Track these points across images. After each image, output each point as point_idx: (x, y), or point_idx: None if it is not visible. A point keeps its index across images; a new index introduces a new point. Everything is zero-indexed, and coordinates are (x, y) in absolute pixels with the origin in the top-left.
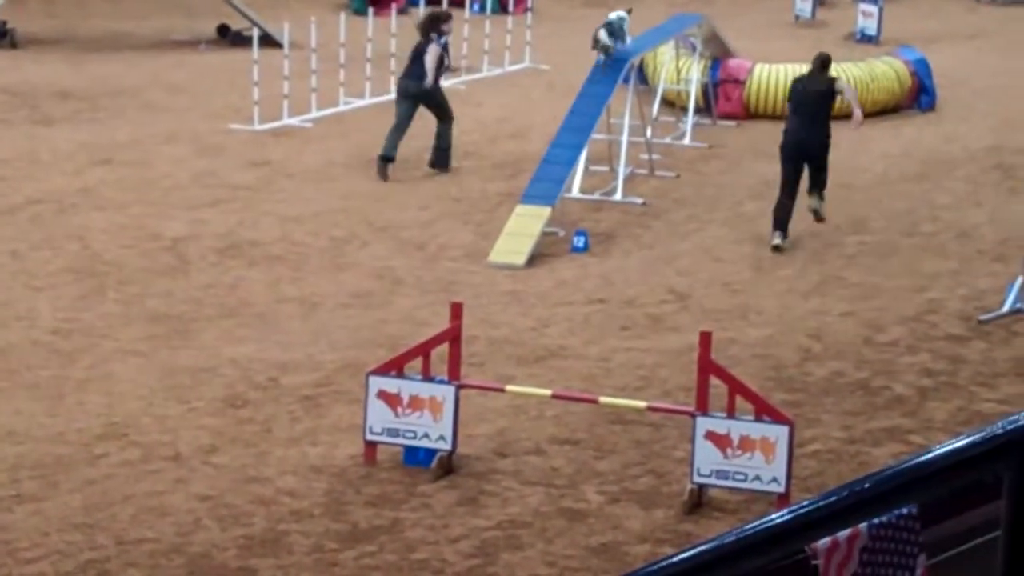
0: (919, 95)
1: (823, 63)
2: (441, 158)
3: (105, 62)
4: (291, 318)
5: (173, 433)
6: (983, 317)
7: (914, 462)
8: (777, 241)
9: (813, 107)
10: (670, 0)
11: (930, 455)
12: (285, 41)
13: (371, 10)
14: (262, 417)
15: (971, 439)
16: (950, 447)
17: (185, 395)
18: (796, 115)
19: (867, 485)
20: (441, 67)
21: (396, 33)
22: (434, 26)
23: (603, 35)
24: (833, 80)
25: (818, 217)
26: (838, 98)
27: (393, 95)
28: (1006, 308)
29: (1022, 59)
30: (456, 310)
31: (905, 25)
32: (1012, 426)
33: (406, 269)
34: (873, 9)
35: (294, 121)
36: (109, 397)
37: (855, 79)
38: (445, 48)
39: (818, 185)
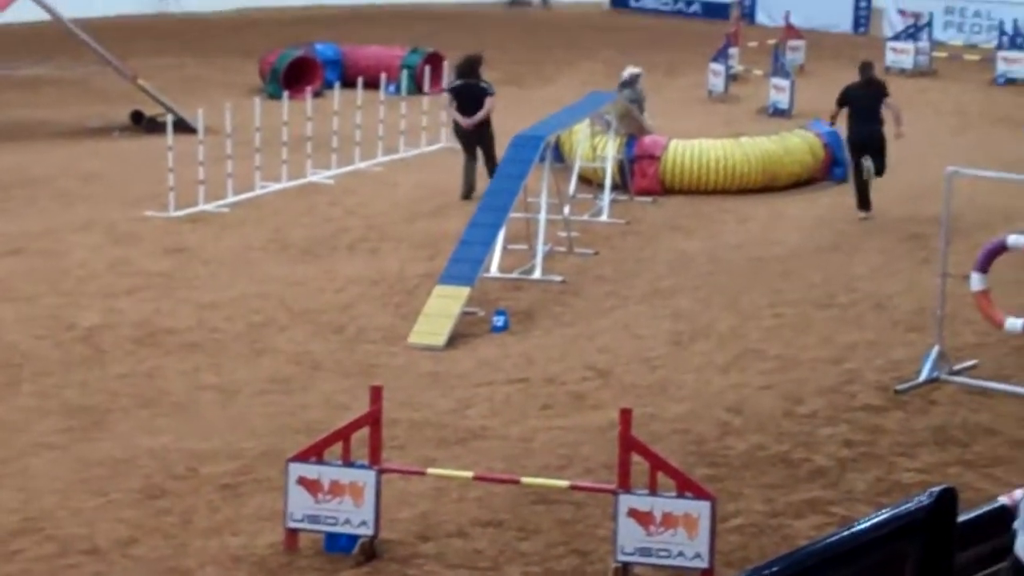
0: (832, 167)
1: (866, 67)
2: None
3: (18, 151)
4: (209, 406)
5: (90, 526)
6: (900, 387)
7: (822, 543)
8: (863, 215)
9: (868, 107)
10: (584, 78)
11: (838, 536)
12: (200, 126)
13: (286, 94)
14: (181, 508)
15: (877, 519)
16: (857, 527)
17: (102, 487)
18: (855, 116)
19: (775, 569)
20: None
21: (312, 116)
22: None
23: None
24: (882, 85)
25: (868, 175)
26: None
27: (310, 178)
28: (923, 377)
29: (932, 130)
30: (376, 393)
31: (817, 98)
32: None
33: (325, 353)
34: (785, 84)
35: (210, 207)
36: (24, 492)
37: (769, 153)
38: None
39: (879, 167)
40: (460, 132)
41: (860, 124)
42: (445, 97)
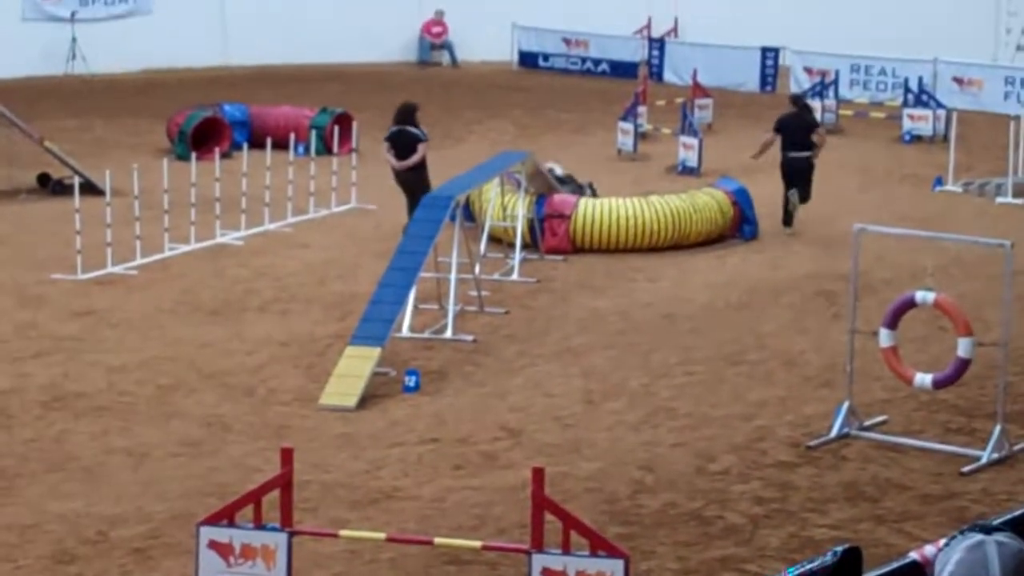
0: (741, 225)
1: (798, 98)
2: None
3: None
4: (119, 470)
5: None
6: (811, 443)
7: None
8: (788, 231)
9: (799, 136)
10: (494, 138)
11: None
12: (107, 188)
13: (194, 155)
14: (92, 573)
15: None
16: None
17: (11, 554)
18: (787, 143)
19: None
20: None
21: (220, 177)
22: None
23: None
24: (812, 116)
25: (793, 207)
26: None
27: (219, 239)
28: (833, 433)
29: (840, 187)
30: (287, 455)
31: (725, 156)
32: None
33: (235, 415)
34: (693, 142)
35: (118, 269)
36: None
37: (678, 211)
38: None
39: (804, 195)
40: (396, 177)
41: (791, 151)
42: (384, 144)
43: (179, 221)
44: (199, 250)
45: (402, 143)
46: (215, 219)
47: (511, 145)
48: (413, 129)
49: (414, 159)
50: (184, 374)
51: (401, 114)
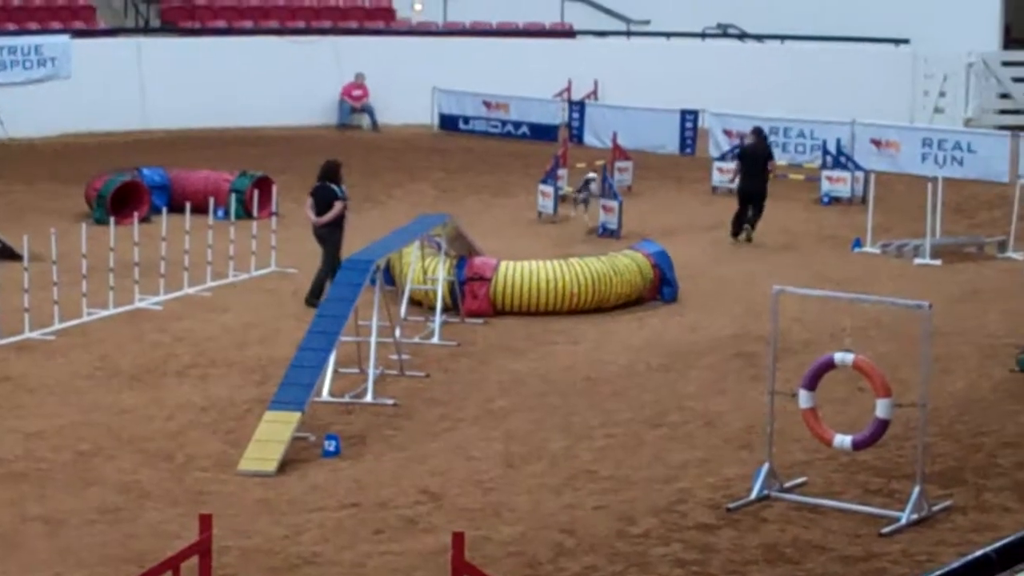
0: (661, 287)
1: (758, 131)
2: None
3: None
4: (35, 538)
5: None
6: (732, 505)
7: None
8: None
9: (756, 165)
10: (414, 201)
11: None
12: (25, 253)
13: (113, 219)
14: None
15: None
16: None
17: None
18: (746, 171)
19: None
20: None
21: (139, 242)
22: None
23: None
24: (769, 148)
25: (749, 236)
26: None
27: (138, 304)
28: (753, 495)
29: (758, 248)
30: (205, 522)
31: (645, 219)
32: None
33: (154, 482)
34: (614, 204)
35: (36, 334)
36: None
37: (599, 273)
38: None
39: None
40: (313, 232)
41: (749, 178)
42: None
43: (98, 286)
44: (118, 315)
45: (320, 199)
46: (134, 284)
47: (431, 208)
48: (333, 186)
49: (328, 216)
50: (102, 440)
51: (323, 171)
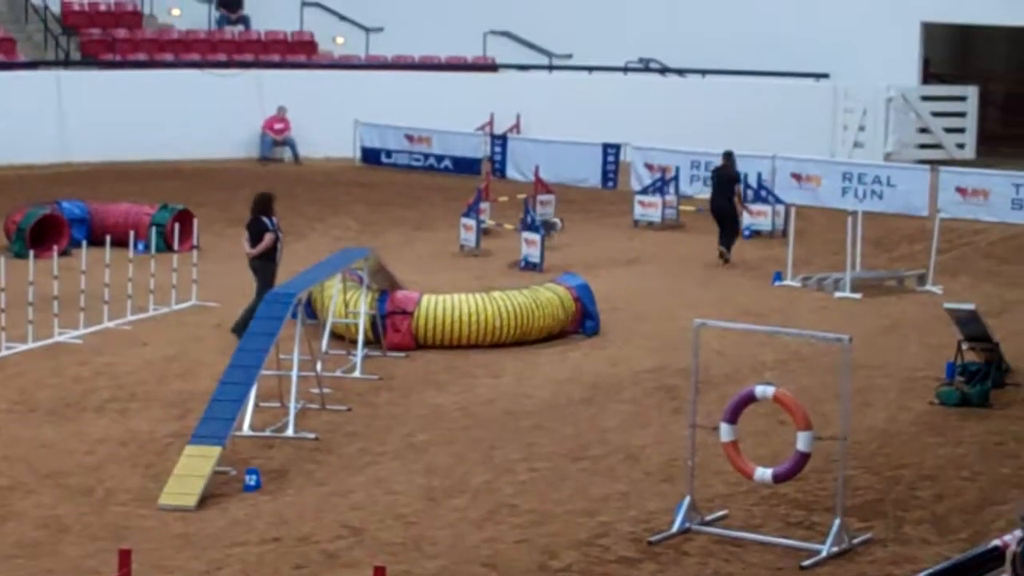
0: (583, 320)
1: (729, 155)
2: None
3: None
4: None
5: None
6: (653, 538)
7: None
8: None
9: (723, 186)
10: (336, 235)
11: None
12: None
13: (32, 253)
14: None
15: None
16: None
17: None
18: (715, 191)
19: None
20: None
21: (59, 275)
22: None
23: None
24: (735, 171)
25: (725, 258)
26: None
27: (57, 338)
28: (675, 528)
29: (680, 282)
30: (125, 557)
31: (567, 252)
32: None
33: (73, 517)
34: (536, 238)
35: None
36: None
37: (520, 306)
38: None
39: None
40: (248, 265)
41: (716, 198)
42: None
43: (16, 320)
44: (37, 349)
45: (253, 232)
46: (53, 317)
47: (353, 241)
48: (264, 219)
49: (258, 248)
50: (21, 475)
51: (255, 204)
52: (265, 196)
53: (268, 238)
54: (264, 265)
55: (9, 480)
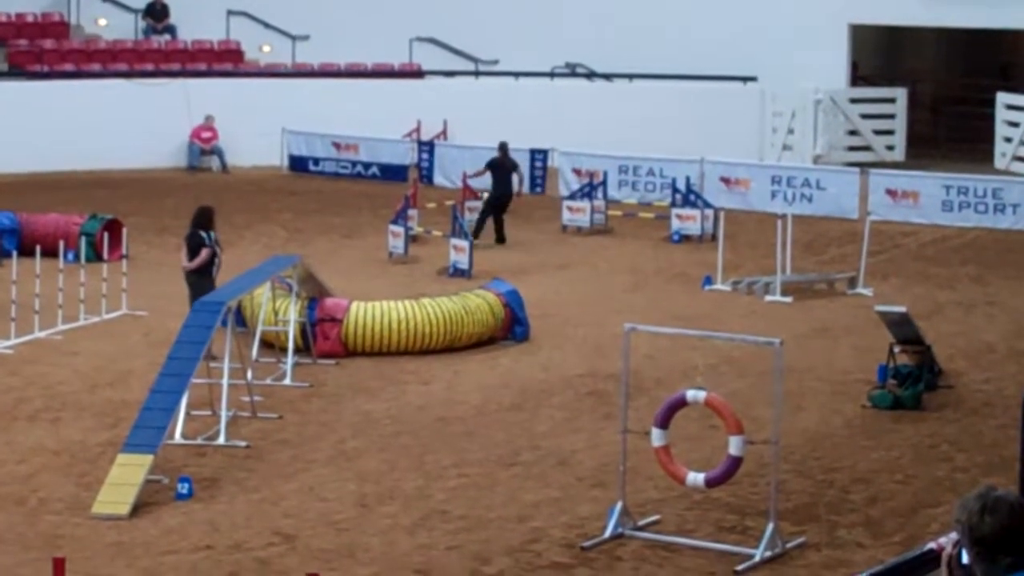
0: (513, 326)
1: (504, 145)
2: None
3: None
4: None
5: None
6: (586, 544)
7: None
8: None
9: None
10: (265, 243)
11: None
12: None
13: None
14: None
15: None
16: None
17: None
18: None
19: None
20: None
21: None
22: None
23: None
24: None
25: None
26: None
27: None
28: (607, 534)
29: (610, 287)
30: (59, 565)
31: (496, 258)
32: None
33: (6, 525)
34: (464, 244)
35: None
36: None
37: (450, 313)
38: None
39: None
40: (184, 278)
41: (499, 187)
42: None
43: None
44: None
45: (191, 245)
46: (10, 323)
47: (282, 249)
48: (202, 233)
49: (195, 262)
50: None
51: (195, 217)
52: (205, 210)
53: (205, 253)
54: (199, 280)
55: None
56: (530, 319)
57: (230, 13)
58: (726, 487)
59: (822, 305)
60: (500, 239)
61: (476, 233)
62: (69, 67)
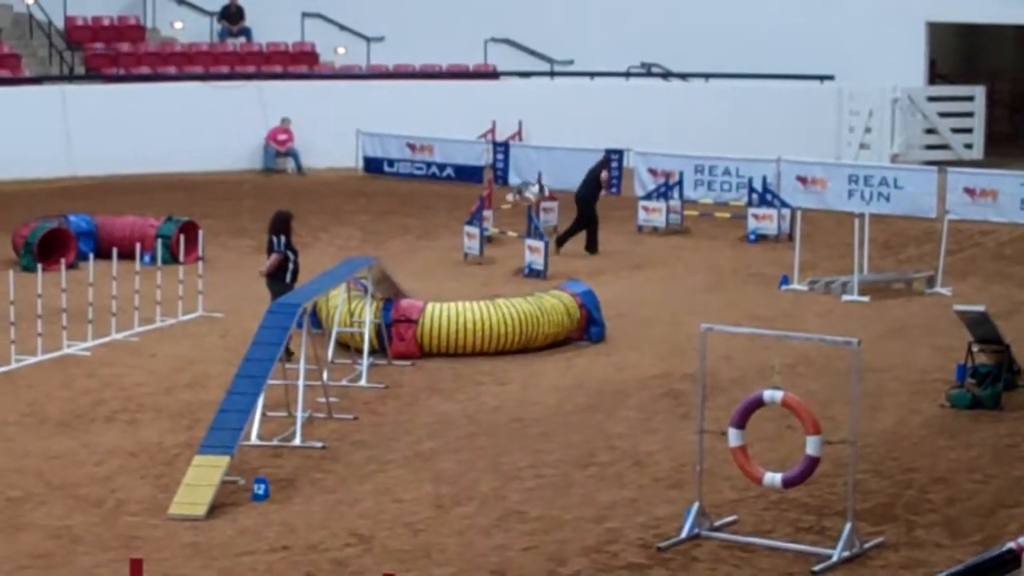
0: (588, 327)
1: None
2: None
3: None
4: None
5: None
6: (662, 544)
7: None
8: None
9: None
10: (340, 244)
11: None
12: None
13: (40, 266)
14: None
15: None
16: None
17: None
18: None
19: None
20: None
21: (67, 288)
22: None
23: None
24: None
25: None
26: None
27: (66, 350)
28: (684, 534)
29: (686, 287)
30: (136, 566)
31: (571, 259)
32: None
33: (85, 527)
34: (539, 245)
35: None
36: None
37: (526, 314)
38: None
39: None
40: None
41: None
42: None
43: (25, 333)
44: (46, 361)
45: (268, 250)
46: (62, 330)
47: (357, 251)
48: (274, 238)
49: (264, 267)
50: (32, 486)
51: (271, 223)
52: (277, 215)
53: (273, 258)
54: (272, 284)
55: (21, 492)
56: (606, 320)
57: (305, 15)
58: (803, 487)
59: (900, 305)
60: (593, 249)
61: (561, 243)
62: (145, 70)
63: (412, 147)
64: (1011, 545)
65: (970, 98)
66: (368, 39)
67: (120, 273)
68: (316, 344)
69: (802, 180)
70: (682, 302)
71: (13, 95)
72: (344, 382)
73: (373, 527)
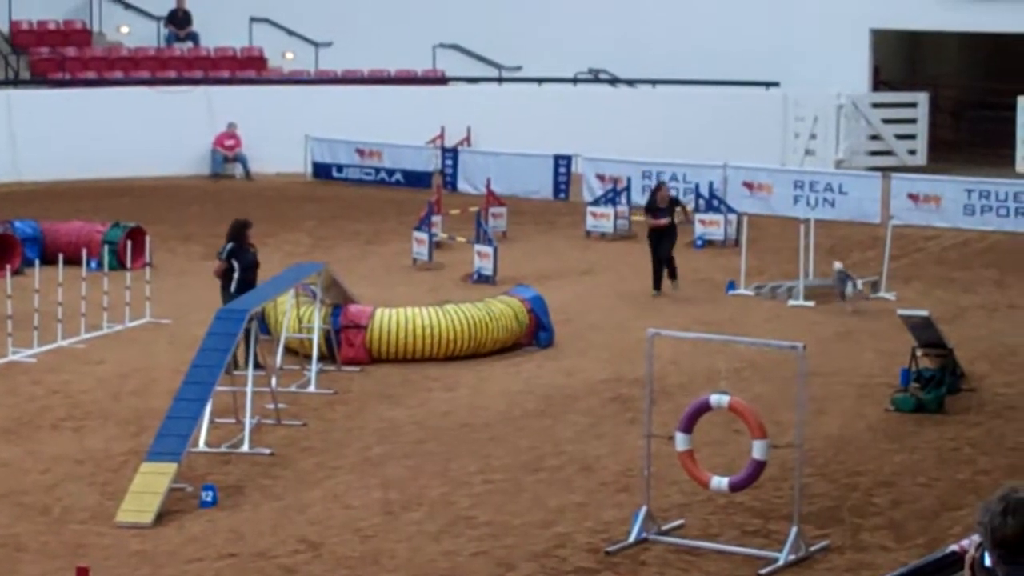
0: (537, 332)
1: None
2: None
3: None
4: None
5: None
6: (610, 548)
7: None
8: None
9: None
10: (288, 250)
11: None
12: None
13: None
14: None
15: None
16: None
17: None
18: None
19: None
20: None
21: (12, 294)
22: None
23: None
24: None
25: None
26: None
27: (11, 357)
28: (632, 538)
29: (634, 292)
30: (83, 575)
31: (520, 264)
32: None
33: (30, 535)
34: (488, 250)
35: None
36: None
37: (475, 319)
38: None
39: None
40: None
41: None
42: None
43: None
44: None
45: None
46: (7, 336)
47: (306, 257)
48: (226, 244)
49: (213, 272)
50: None
51: (229, 230)
52: (235, 223)
53: (215, 265)
54: (222, 289)
55: None
56: (554, 325)
57: (253, 20)
58: (750, 491)
59: (845, 310)
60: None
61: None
62: (91, 75)
63: (361, 152)
64: (954, 547)
65: (913, 104)
66: (316, 44)
67: (66, 279)
68: (264, 350)
69: (748, 186)
70: (630, 307)
71: None
72: (293, 388)
73: (322, 533)
